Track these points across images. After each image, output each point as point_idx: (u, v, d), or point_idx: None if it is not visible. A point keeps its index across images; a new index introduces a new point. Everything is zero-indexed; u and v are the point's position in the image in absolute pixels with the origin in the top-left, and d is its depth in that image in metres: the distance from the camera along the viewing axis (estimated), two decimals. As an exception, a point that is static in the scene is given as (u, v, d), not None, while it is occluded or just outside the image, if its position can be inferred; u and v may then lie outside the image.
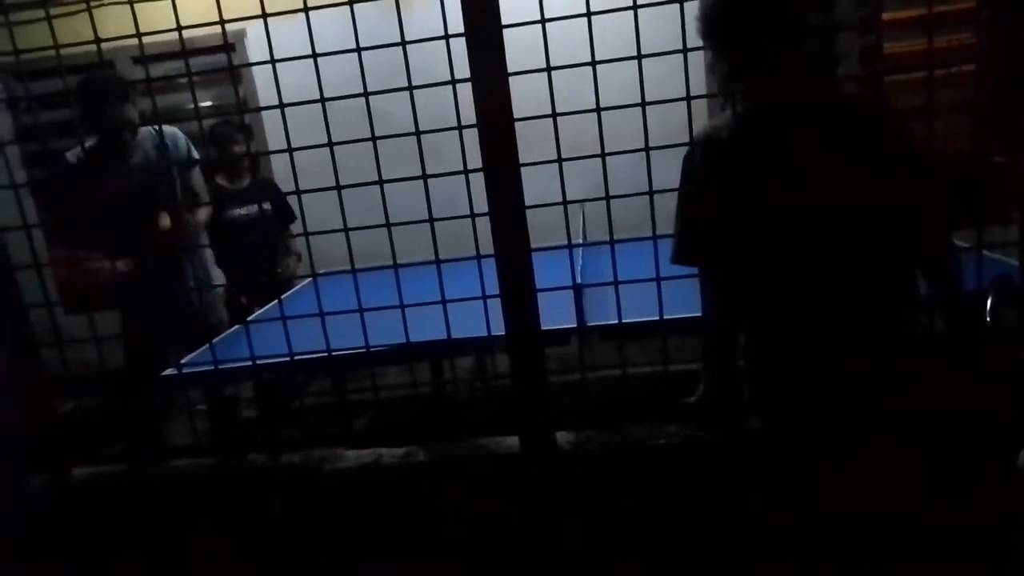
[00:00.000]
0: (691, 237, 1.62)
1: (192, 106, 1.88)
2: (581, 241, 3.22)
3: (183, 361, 2.50)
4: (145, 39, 1.70)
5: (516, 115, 1.57)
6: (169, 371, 2.49)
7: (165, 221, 2.98)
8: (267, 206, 3.80)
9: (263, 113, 4.38)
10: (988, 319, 1.51)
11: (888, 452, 1.53)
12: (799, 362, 1.58)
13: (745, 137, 1.53)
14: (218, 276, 3.40)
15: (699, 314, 1.69)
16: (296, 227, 3.88)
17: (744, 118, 1.54)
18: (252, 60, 4.14)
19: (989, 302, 1.54)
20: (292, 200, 3.73)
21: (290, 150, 1.71)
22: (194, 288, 3.01)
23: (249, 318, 2.83)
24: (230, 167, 3.84)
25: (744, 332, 1.66)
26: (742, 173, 1.53)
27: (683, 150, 1.61)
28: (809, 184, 1.48)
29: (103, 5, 3.60)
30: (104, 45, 1.72)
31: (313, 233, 1.80)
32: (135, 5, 1.69)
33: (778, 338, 1.61)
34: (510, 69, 1.55)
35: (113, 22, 1.81)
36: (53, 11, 1.81)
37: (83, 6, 1.72)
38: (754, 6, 1.54)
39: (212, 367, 2.03)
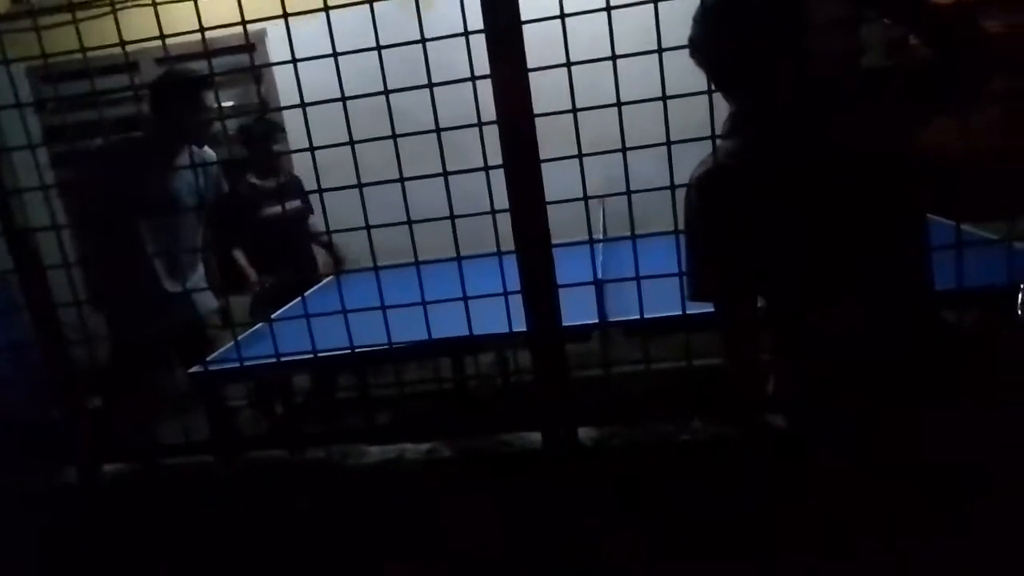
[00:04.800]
0: (704, 277, 1.59)
1: (216, 106, 1.90)
2: (601, 237, 3.20)
3: (209, 359, 2.53)
4: (167, 41, 1.71)
5: (536, 111, 1.57)
6: (195, 368, 2.52)
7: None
8: (298, 203, 3.88)
9: (285, 113, 4.41)
10: (1020, 313, 1.48)
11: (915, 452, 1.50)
12: (826, 364, 1.56)
13: (738, 177, 1.47)
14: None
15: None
16: (319, 226, 3.94)
17: (738, 151, 1.48)
18: (272, 60, 4.17)
19: (1021, 296, 1.51)
20: (314, 199, 3.81)
21: (312, 149, 1.72)
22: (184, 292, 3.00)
23: (272, 316, 2.85)
24: (264, 165, 3.89)
25: (771, 337, 1.63)
26: (742, 213, 1.48)
27: (705, 144, 1.59)
28: (814, 206, 1.44)
29: (128, 7, 3.68)
30: (129, 47, 1.74)
31: (335, 231, 1.82)
32: (159, 7, 1.71)
33: (804, 342, 1.58)
34: (530, 65, 1.55)
35: (136, 24, 1.83)
36: (79, 14, 1.84)
37: (108, 8, 1.74)
38: (732, 17, 1.45)
39: (237, 364, 2.06)
